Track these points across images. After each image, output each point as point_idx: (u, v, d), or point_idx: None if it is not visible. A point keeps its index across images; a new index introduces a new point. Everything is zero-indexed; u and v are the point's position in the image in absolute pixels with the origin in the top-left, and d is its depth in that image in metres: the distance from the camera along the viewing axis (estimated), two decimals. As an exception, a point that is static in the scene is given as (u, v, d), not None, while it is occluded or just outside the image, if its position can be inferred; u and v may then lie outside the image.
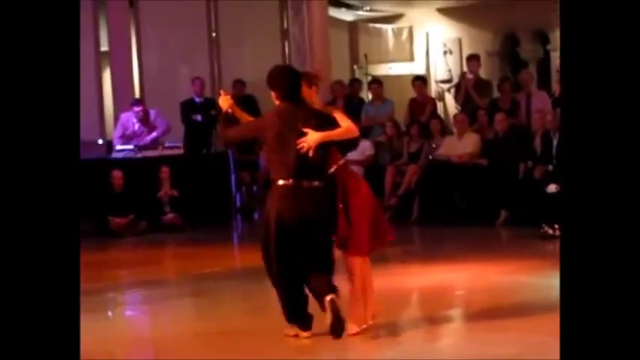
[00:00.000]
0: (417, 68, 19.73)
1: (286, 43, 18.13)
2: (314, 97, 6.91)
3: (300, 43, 17.70)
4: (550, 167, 12.84)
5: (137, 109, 15.65)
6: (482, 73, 16.41)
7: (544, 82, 17.48)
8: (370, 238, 6.83)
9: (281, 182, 6.60)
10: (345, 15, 20.08)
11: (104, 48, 17.30)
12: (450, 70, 19.50)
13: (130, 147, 15.35)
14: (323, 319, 6.61)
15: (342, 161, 6.85)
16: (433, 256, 11.14)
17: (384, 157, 15.34)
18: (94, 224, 14.24)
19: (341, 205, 6.69)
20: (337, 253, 6.82)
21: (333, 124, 6.70)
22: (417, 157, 14.79)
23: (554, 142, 12.93)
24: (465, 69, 16.41)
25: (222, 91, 7.13)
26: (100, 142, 16.15)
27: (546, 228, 11.70)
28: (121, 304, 9.58)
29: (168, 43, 17.60)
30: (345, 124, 6.73)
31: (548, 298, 8.11)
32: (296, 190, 6.56)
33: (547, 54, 18.36)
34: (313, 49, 17.12)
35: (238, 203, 16.67)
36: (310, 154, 6.56)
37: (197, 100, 16.21)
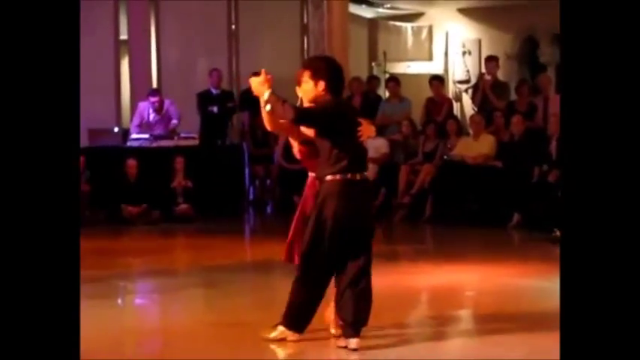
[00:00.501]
0: (435, 68, 19.71)
1: (305, 39, 18.14)
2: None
3: (319, 38, 17.71)
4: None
5: (153, 99, 15.68)
6: (501, 75, 16.39)
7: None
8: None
9: (349, 176, 6.36)
10: (365, 12, 20.07)
11: (123, 36, 17.33)
12: (468, 71, 19.48)
13: (146, 136, 15.38)
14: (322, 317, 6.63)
15: None
16: (444, 256, 11.13)
17: (398, 156, 15.35)
18: (107, 212, 14.30)
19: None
20: None
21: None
22: (432, 157, 14.79)
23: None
24: (484, 70, 16.39)
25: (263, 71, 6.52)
26: (116, 130, 16.19)
27: (558, 232, 11.68)
28: (131, 293, 9.60)
29: (188, 35, 17.63)
30: None
31: (556, 303, 8.09)
32: (362, 183, 6.44)
33: (566, 58, 18.31)
34: (332, 45, 17.13)
35: (251, 196, 16.71)
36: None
37: (214, 91, 16.24)
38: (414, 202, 14.50)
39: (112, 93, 16.95)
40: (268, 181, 16.61)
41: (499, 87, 15.61)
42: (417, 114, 16.05)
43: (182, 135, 15.61)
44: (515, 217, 13.26)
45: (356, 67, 17.84)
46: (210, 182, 14.97)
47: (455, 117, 16.16)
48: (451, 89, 19.35)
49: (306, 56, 17.29)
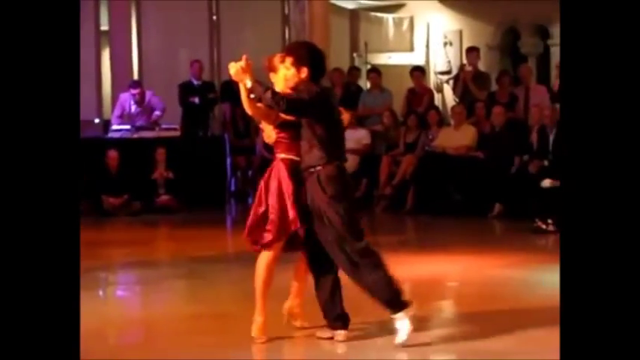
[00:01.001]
0: (416, 59, 19.70)
1: (286, 30, 18.13)
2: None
3: (300, 29, 17.70)
4: (546, 162, 12.86)
5: (134, 91, 15.65)
6: (482, 66, 16.41)
7: (543, 77, 17.47)
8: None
9: (338, 163, 6.39)
10: (347, 3, 20.05)
11: (104, 27, 17.27)
12: (449, 62, 19.47)
13: (127, 127, 15.35)
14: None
15: None
16: (426, 247, 11.16)
17: (380, 147, 15.36)
18: (88, 203, 14.26)
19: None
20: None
21: None
22: (414, 148, 14.80)
23: (551, 138, 12.96)
24: (465, 61, 16.41)
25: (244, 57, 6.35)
26: (97, 121, 16.14)
27: (539, 222, 11.74)
28: (112, 284, 9.59)
29: (169, 26, 17.59)
30: None
31: (539, 293, 8.15)
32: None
33: (547, 49, 18.33)
34: (313, 36, 17.09)
35: (233, 187, 16.70)
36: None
37: (195, 82, 16.23)
38: (396, 193, 14.52)
39: (92, 84, 16.89)
40: (250, 172, 16.60)
41: (480, 78, 15.63)
42: (399, 105, 16.06)
43: (163, 126, 15.59)
44: (497, 207, 13.30)
45: (337, 58, 17.82)
46: (191, 173, 14.95)
47: (436, 108, 16.17)
48: (432, 80, 19.34)
49: (287, 47, 17.23)
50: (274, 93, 6.21)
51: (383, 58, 19.77)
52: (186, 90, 16.12)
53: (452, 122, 15.01)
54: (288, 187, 6.42)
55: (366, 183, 14.67)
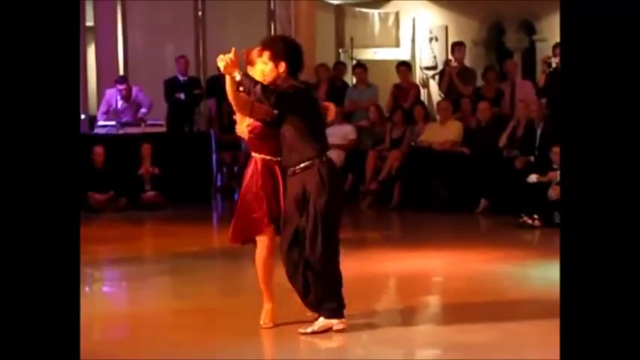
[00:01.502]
0: (402, 54, 19.70)
1: (272, 25, 18.11)
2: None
3: (285, 24, 17.69)
4: (532, 158, 12.88)
5: (121, 87, 15.62)
6: (468, 62, 16.41)
7: (529, 72, 17.50)
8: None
9: (325, 158, 6.40)
10: (332, -2, 20.05)
11: (89, 23, 17.23)
12: (435, 57, 19.47)
13: (113, 123, 15.32)
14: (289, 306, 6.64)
15: None
16: (411, 242, 11.16)
17: (366, 142, 15.35)
18: (73, 199, 14.21)
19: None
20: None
21: None
22: (400, 143, 14.80)
23: (538, 133, 12.98)
24: (450, 56, 16.41)
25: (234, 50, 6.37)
26: (83, 117, 16.09)
27: (525, 218, 11.76)
28: (98, 280, 9.56)
29: (154, 21, 17.55)
30: None
31: (524, 288, 8.17)
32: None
33: (533, 44, 18.35)
34: (299, 32, 17.09)
35: (219, 183, 16.68)
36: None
37: (181, 78, 16.20)
38: (382, 189, 14.51)
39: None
40: (236, 168, 16.56)
41: (466, 73, 15.63)
42: (384, 100, 16.04)
43: (149, 122, 15.55)
44: (483, 202, 13.30)
45: (323, 54, 17.82)
46: (177, 169, 14.92)
47: (422, 103, 16.16)
48: (418, 75, 19.34)
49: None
50: (264, 87, 6.21)
51: (369, 54, 19.77)
52: (171, 86, 16.09)
53: (438, 118, 15.01)
54: (258, 181, 6.47)
55: (351, 178, 14.66)
